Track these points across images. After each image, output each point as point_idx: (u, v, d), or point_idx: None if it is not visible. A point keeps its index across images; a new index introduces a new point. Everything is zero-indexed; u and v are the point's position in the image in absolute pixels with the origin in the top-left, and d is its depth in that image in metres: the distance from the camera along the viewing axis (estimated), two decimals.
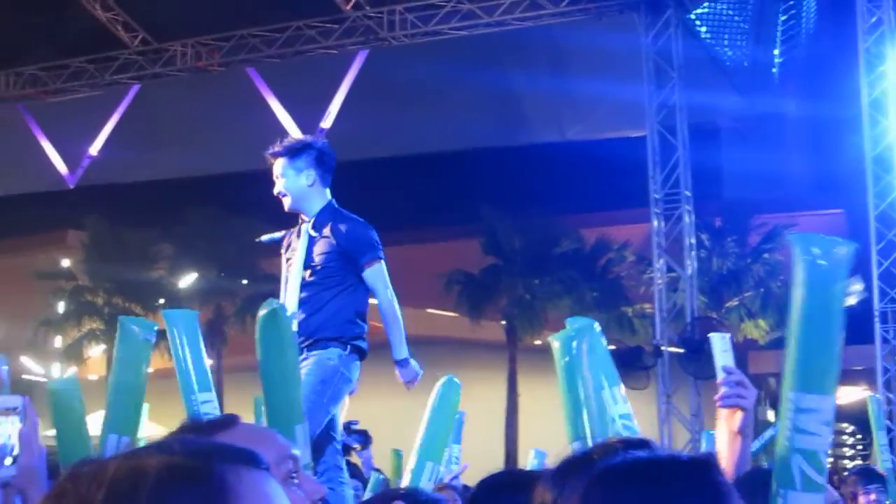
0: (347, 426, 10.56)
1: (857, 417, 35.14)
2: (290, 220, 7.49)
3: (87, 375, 33.98)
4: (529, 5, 20.61)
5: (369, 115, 25.90)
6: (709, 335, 3.84)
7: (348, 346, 7.14)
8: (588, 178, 29.21)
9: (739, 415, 3.56)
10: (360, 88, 25.53)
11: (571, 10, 20.54)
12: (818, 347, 3.12)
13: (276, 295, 7.29)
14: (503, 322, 30.73)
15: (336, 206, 7.26)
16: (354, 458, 10.60)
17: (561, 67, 24.24)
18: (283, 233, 7.53)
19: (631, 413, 3.91)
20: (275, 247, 7.56)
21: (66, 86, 23.96)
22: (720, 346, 3.69)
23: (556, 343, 3.92)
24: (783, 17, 26.62)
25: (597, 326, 3.96)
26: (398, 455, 8.92)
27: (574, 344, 3.82)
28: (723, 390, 3.57)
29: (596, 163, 27.14)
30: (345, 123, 25.85)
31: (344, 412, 7.54)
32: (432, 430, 5.39)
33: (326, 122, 26.22)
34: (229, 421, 2.36)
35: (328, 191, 7.26)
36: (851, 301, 26.22)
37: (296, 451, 2.35)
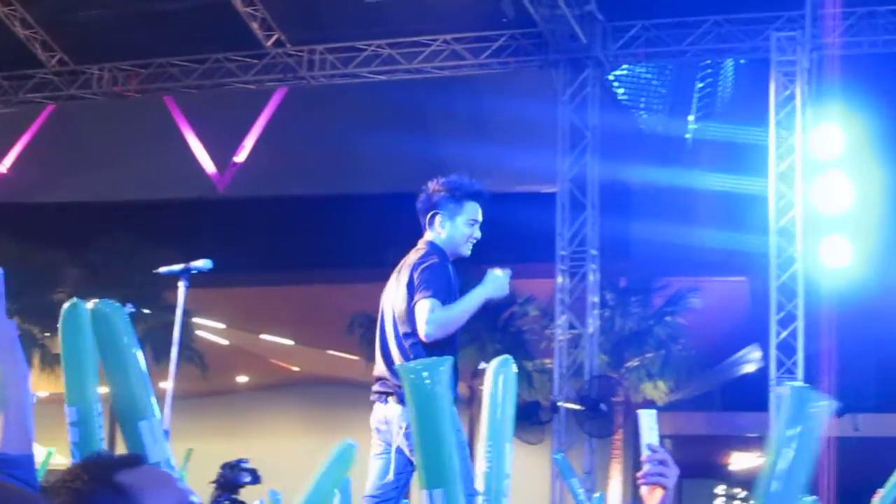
0: (237, 464, 10.51)
1: (751, 483, 35.58)
2: (196, 254, 7.39)
3: None
4: (449, 55, 20.73)
5: (284, 152, 25.90)
6: (638, 411, 3.83)
7: None
8: (497, 231, 29.29)
9: (659, 493, 3.56)
10: (277, 126, 25.53)
11: (491, 62, 20.69)
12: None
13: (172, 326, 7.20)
14: None
15: None
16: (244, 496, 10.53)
17: (478, 118, 24.40)
18: (181, 266, 7.38)
19: None
20: (174, 279, 7.41)
21: None
22: (647, 423, 3.68)
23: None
24: (700, 84, 26.98)
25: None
26: (274, 497, 8.79)
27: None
28: (646, 468, 3.57)
29: (506, 215, 27.20)
30: (259, 159, 25.83)
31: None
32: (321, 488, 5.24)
33: (240, 157, 26.18)
34: (135, 460, 2.36)
35: None
36: (749, 369, 26.55)
37: (194, 499, 2.35)
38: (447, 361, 3.30)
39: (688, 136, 27.11)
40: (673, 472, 3.58)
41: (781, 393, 2.94)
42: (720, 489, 35.88)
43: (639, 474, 3.59)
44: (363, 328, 30.34)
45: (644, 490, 3.56)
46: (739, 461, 33.38)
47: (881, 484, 7.85)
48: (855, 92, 19.07)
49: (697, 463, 30.18)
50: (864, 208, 18.48)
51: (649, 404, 27.81)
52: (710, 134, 25.84)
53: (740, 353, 26.78)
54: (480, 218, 7.39)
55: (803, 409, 3.30)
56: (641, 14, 19.95)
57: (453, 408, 3.18)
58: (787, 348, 17.94)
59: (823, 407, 3.32)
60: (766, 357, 18.70)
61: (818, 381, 20.03)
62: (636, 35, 19.99)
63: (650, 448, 3.60)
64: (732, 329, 26.58)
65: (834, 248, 18.14)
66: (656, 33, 19.92)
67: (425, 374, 3.27)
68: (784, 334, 17.97)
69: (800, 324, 17.88)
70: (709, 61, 24.84)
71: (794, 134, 18.35)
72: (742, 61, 24.65)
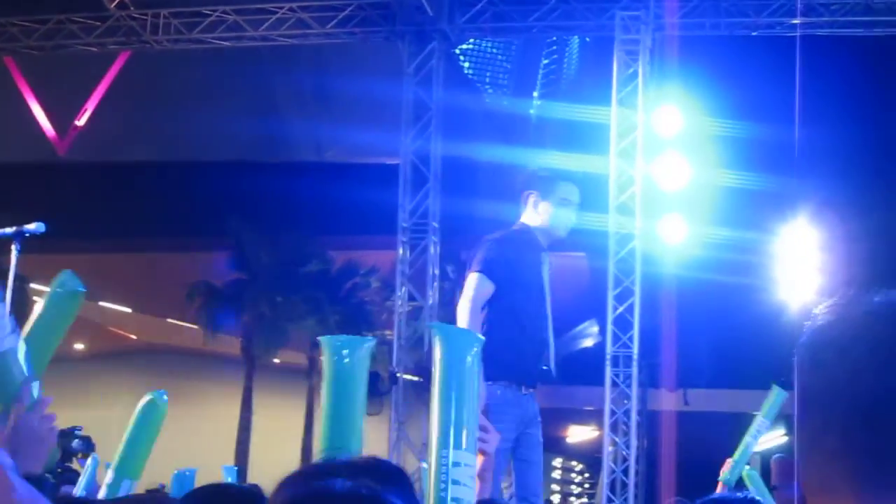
0: (70, 431, 10.38)
1: (587, 456, 36.08)
2: (34, 218, 7.24)
3: None
4: (295, 23, 20.59)
5: (126, 117, 25.54)
6: None
7: None
8: (341, 201, 29.28)
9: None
10: (119, 90, 25.16)
11: (338, 31, 20.59)
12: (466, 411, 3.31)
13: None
14: (241, 338, 30.52)
15: None
16: (76, 465, 10.40)
17: (325, 87, 24.32)
18: (12, 229, 7.19)
19: None
20: (8, 243, 7.23)
21: None
22: None
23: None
24: (545, 61, 27.20)
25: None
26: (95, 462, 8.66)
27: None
28: None
29: (350, 186, 27.24)
30: (101, 123, 25.44)
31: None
32: (131, 448, 5.13)
33: (81, 121, 25.75)
34: None
35: None
36: (588, 343, 26.92)
37: (8, 459, 2.33)
38: (369, 341, 3.33)
39: (532, 111, 27.33)
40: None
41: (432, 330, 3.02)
42: (557, 462, 36.40)
43: None
44: (203, 297, 30.18)
45: None
46: (577, 434, 33.86)
47: (714, 456, 8.02)
48: (696, 72, 19.42)
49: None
50: (701, 187, 18.83)
51: None
52: (554, 111, 26.06)
53: (579, 328, 27.15)
54: (576, 199, 7.30)
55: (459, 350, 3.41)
56: None
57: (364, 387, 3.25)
58: (622, 323, 18.19)
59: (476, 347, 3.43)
60: (602, 332, 18.95)
61: (654, 356, 20.44)
62: (483, 9, 20.05)
63: None
64: (571, 304, 26.86)
65: (671, 226, 18.47)
66: (503, 8, 20.00)
67: (345, 350, 3.31)
68: (621, 309, 18.22)
69: (636, 300, 18.14)
70: (554, 38, 25.03)
71: (635, 112, 18.61)
72: (587, 39, 24.90)
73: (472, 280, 6.89)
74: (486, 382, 6.71)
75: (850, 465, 1.50)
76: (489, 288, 6.92)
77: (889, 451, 1.49)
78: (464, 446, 3.26)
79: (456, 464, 3.21)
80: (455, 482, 3.21)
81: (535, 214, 7.17)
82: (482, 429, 3.63)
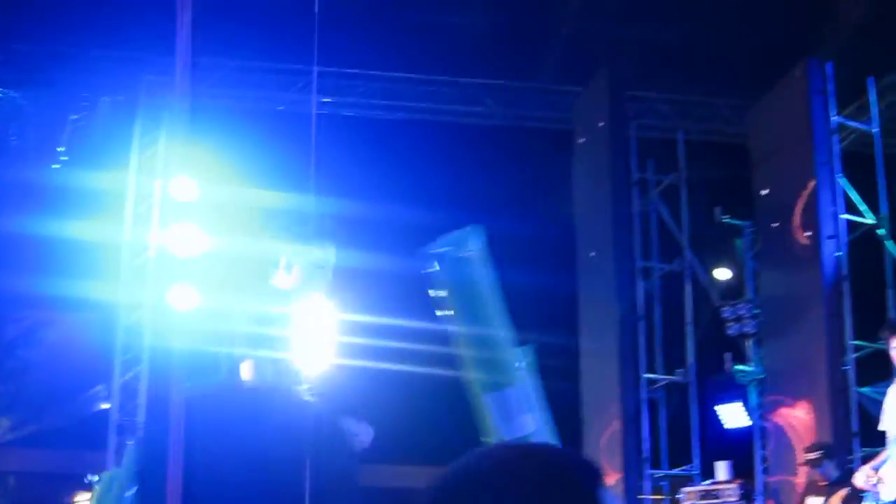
0: None
1: None
2: None
3: None
4: None
5: None
6: None
7: None
8: None
9: None
10: None
11: None
12: None
13: None
14: None
15: None
16: None
17: None
18: None
19: None
20: None
21: None
22: None
23: None
24: (74, 116, 26.66)
25: None
26: None
27: None
28: None
29: None
30: None
31: None
32: None
33: None
34: None
35: None
36: (99, 408, 26.45)
37: None
38: None
39: (56, 167, 26.72)
40: None
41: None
42: None
43: None
44: None
45: None
46: (83, 501, 33.19)
47: None
48: (219, 141, 19.48)
49: (40, 502, 29.73)
50: (217, 257, 18.88)
51: None
52: (75, 174, 25.59)
53: (90, 392, 26.73)
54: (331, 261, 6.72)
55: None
56: None
57: None
58: (130, 390, 18.05)
59: None
60: (110, 397, 18.76)
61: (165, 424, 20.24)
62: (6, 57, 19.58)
63: None
64: (84, 367, 26.44)
65: (183, 294, 18.40)
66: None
67: None
68: (129, 375, 18.07)
69: (144, 366, 18.04)
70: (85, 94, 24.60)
71: (154, 179, 18.54)
72: (119, 98, 24.63)
73: None
74: None
75: None
76: None
77: None
78: None
79: None
80: None
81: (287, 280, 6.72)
82: None
